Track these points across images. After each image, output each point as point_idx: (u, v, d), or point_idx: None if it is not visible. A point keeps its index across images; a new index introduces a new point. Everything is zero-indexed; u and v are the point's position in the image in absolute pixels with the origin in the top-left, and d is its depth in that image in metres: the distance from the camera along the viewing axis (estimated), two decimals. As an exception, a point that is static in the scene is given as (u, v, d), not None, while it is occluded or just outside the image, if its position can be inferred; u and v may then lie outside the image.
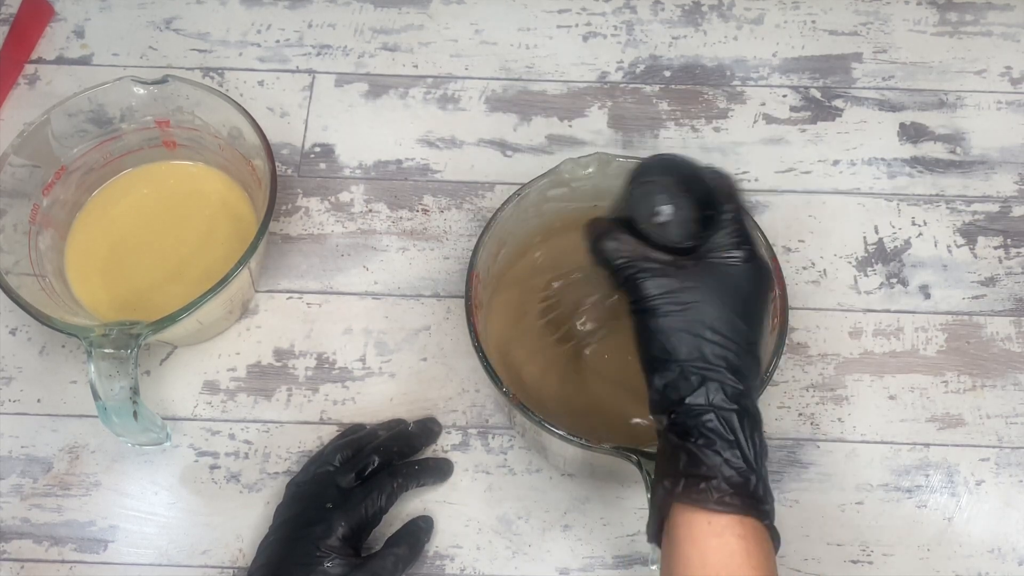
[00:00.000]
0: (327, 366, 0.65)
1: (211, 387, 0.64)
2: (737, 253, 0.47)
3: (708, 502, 0.44)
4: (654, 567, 0.51)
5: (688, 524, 0.45)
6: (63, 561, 0.59)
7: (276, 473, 0.61)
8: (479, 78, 0.74)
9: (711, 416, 0.45)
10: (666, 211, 0.49)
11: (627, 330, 0.49)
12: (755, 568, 0.43)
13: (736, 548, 0.44)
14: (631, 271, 0.47)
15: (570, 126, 0.73)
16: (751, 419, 0.46)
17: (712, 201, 0.48)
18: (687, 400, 0.45)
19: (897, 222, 0.69)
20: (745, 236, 0.48)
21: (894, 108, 0.73)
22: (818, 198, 0.70)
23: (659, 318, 0.46)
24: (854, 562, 0.59)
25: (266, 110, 0.73)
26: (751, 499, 0.44)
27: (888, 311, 0.66)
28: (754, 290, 0.48)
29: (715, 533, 0.44)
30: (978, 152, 0.72)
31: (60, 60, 0.75)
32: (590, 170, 0.58)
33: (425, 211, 0.70)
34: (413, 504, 0.60)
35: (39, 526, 0.60)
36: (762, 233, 0.57)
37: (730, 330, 0.46)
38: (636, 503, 0.61)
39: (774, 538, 0.46)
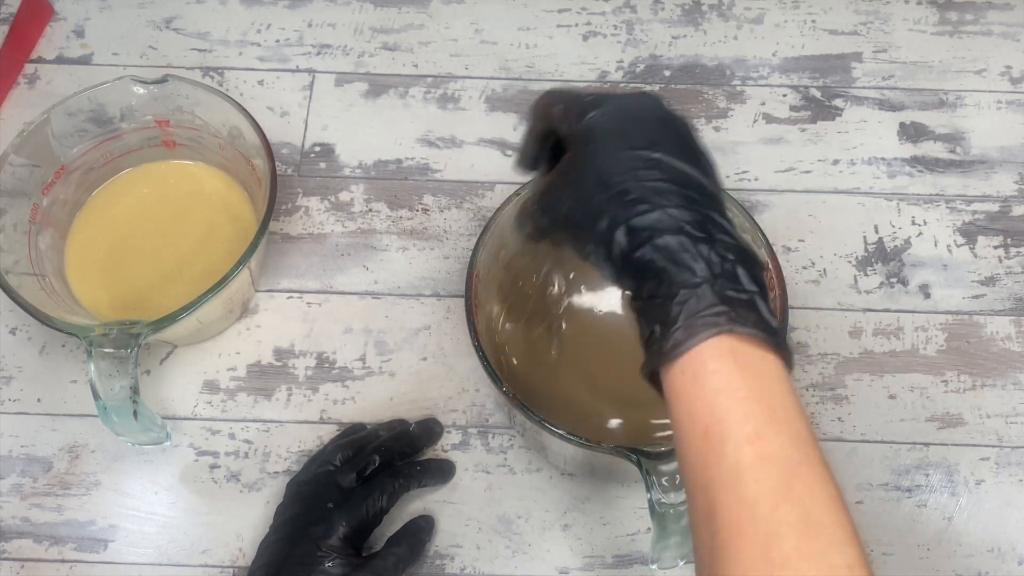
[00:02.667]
0: (327, 365, 0.65)
1: (211, 386, 0.64)
2: (586, 114, 0.45)
3: (671, 344, 0.39)
4: (654, 566, 0.51)
5: (667, 384, 0.40)
6: (63, 561, 0.59)
7: (276, 472, 0.61)
8: (479, 78, 0.74)
9: (645, 250, 0.40)
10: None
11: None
12: (748, 396, 0.38)
13: (721, 381, 0.38)
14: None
15: (570, 126, 0.73)
16: (711, 238, 0.40)
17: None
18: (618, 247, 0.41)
19: (897, 221, 0.69)
20: (581, 101, 0.45)
21: (894, 108, 0.73)
22: (818, 197, 0.70)
23: (561, 218, 0.44)
24: (854, 561, 0.59)
25: (266, 110, 0.73)
26: (735, 307, 0.39)
27: (888, 311, 0.66)
28: (639, 118, 0.44)
29: (692, 378, 0.39)
30: (978, 152, 0.72)
31: (60, 60, 0.75)
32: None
33: (425, 211, 0.70)
34: (413, 504, 0.60)
35: (39, 525, 0.60)
36: (762, 233, 0.57)
37: (628, 163, 0.42)
38: (636, 502, 0.61)
39: (783, 353, 0.40)
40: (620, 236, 0.41)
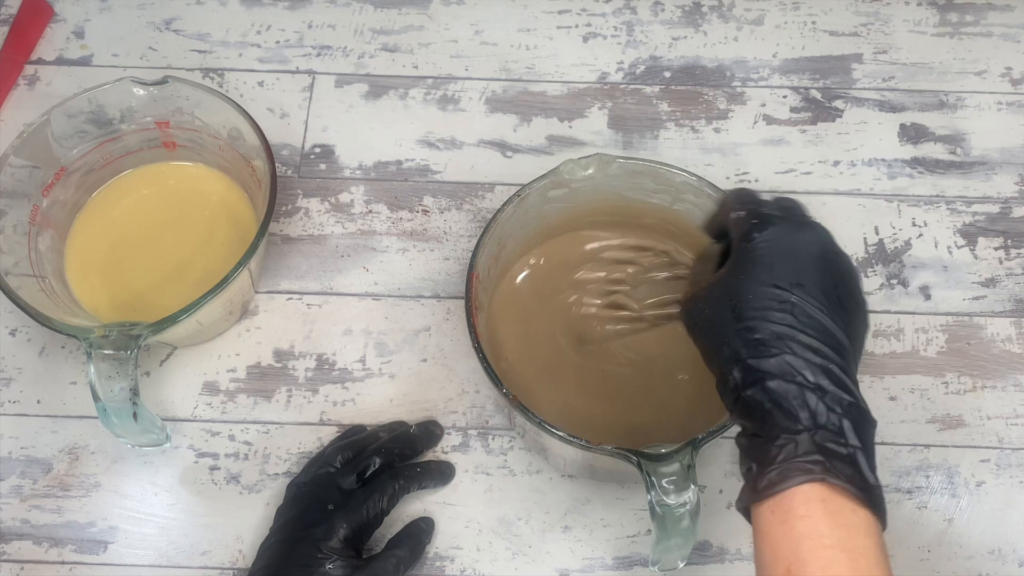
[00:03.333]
0: (327, 367, 0.65)
1: (211, 388, 0.64)
2: (752, 233, 0.46)
3: (764, 483, 0.40)
4: (655, 568, 0.51)
5: (756, 521, 0.41)
6: (63, 562, 0.59)
7: (276, 474, 0.61)
8: (479, 79, 0.74)
9: (755, 391, 0.42)
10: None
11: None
12: (833, 544, 0.39)
13: (808, 526, 0.39)
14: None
15: (570, 127, 0.73)
16: (830, 395, 0.41)
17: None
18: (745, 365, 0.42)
19: (897, 223, 0.69)
20: (757, 215, 0.46)
21: (894, 109, 0.73)
22: (818, 199, 0.70)
23: (698, 330, 0.46)
24: (854, 563, 0.59)
25: (266, 111, 0.73)
26: (831, 459, 0.40)
27: (888, 312, 0.66)
28: (793, 253, 0.45)
29: (781, 519, 0.40)
30: (978, 153, 0.72)
31: (60, 61, 0.75)
32: (590, 171, 0.58)
33: (425, 212, 0.70)
34: (413, 506, 0.60)
35: (39, 527, 0.60)
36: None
37: (764, 301, 0.43)
38: (636, 504, 0.61)
39: (877, 512, 0.40)
40: (736, 373, 0.43)
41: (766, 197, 0.49)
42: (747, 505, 0.43)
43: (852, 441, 0.41)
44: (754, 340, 0.43)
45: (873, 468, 0.41)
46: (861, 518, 0.40)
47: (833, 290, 0.45)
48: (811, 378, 0.42)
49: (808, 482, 0.40)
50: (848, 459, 0.40)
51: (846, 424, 0.41)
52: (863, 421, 0.42)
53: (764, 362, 0.42)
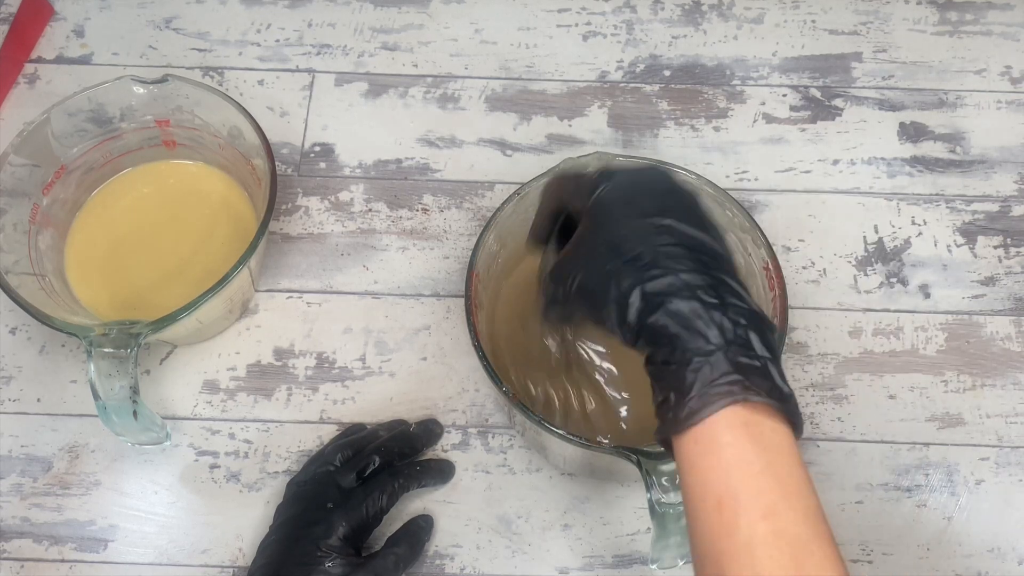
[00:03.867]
0: (327, 365, 0.65)
1: (211, 386, 0.64)
2: (597, 188, 0.46)
3: (685, 413, 0.39)
4: (654, 566, 0.51)
5: (680, 452, 0.40)
6: (63, 560, 0.59)
7: (276, 472, 0.61)
8: (479, 77, 0.74)
9: (658, 316, 0.41)
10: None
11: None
12: (761, 470, 0.38)
13: (735, 454, 0.39)
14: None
15: (570, 125, 0.73)
16: (723, 301, 0.41)
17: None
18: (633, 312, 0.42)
19: (897, 221, 0.69)
20: (594, 175, 0.47)
21: (894, 107, 0.73)
22: (818, 197, 0.70)
23: (575, 286, 0.45)
24: (854, 561, 0.59)
25: (266, 109, 0.73)
26: (748, 375, 0.39)
27: (888, 310, 0.66)
28: (647, 189, 0.45)
29: (706, 448, 0.39)
30: (978, 152, 0.72)
31: (60, 59, 0.75)
32: (589, 170, 0.58)
33: (425, 210, 0.70)
34: (413, 504, 0.60)
35: (39, 525, 0.60)
36: (762, 232, 0.57)
37: (639, 231, 0.43)
38: (636, 502, 0.61)
39: (794, 422, 0.40)
40: (634, 299, 0.42)
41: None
42: (667, 436, 0.41)
43: (761, 352, 0.40)
44: (644, 265, 0.42)
45: (783, 376, 0.41)
46: (781, 435, 0.40)
47: (694, 212, 0.45)
48: (710, 293, 0.41)
49: (730, 404, 0.39)
50: (763, 371, 0.40)
51: (752, 336, 0.40)
52: (765, 328, 0.41)
53: (660, 282, 0.41)
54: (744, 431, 0.39)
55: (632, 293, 0.42)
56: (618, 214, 0.45)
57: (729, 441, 0.39)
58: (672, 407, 0.40)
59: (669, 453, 0.42)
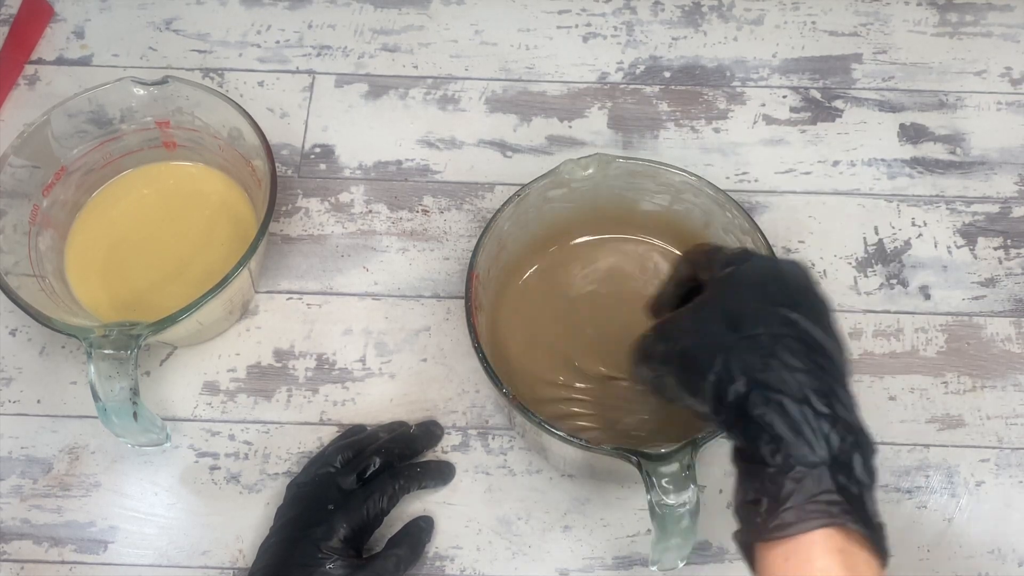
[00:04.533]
0: (327, 367, 0.65)
1: (211, 388, 0.64)
2: (734, 262, 0.45)
3: (776, 523, 0.37)
4: (654, 568, 0.51)
5: (763, 563, 0.38)
6: (63, 562, 0.59)
7: (276, 474, 0.61)
8: (479, 79, 0.74)
9: (765, 410, 0.38)
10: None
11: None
12: None
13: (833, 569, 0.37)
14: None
15: (570, 127, 0.73)
16: (834, 418, 0.39)
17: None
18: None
19: (897, 223, 0.69)
20: (733, 251, 0.46)
21: (894, 109, 0.73)
22: (818, 199, 0.70)
23: (677, 348, 0.44)
24: (854, 563, 0.59)
25: (266, 111, 0.73)
26: (848, 499, 0.37)
27: (888, 312, 0.66)
28: (783, 279, 0.44)
29: (796, 568, 0.37)
30: (978, 153, 0.72)
31: (60, 60, 0.75)
32: (590, 171, 0.58)
33: (425, 212, 0.70)
34: (413, 505, 0.60)
35: (39, 527, 0.60)
36: (762, 234, 0.57)
37: (765, 315, 0.41)
38: (636, 503, 0.61)
39: (881, 554, 0.39)
40: (740, 385, 0.40)
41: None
42: (750, 541, 0.40)
43: (862, 477, 0.39)
44: (760, 350, 0.40)
45: (875, 505, 0.39)
46: (873, 569, 0.38)
47: (823, 315, 0.43)
48: (823, 402, 0.39)
49: (826, 526, 0.37)
50: (859, 499, 0.38)
51: (856, 457, 0.39)
52: (869, 451, 0.40)
53: (773, 375, 0.39)
54: (839, 558, 0.37)
55: (739, 376, 0.40)
56: (747, 294, 0.43)
57: (822, 567, 0.37)
58: (762, 512, 0.39)
59: (745, 557, 0.40)
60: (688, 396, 0.43)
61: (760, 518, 0.39)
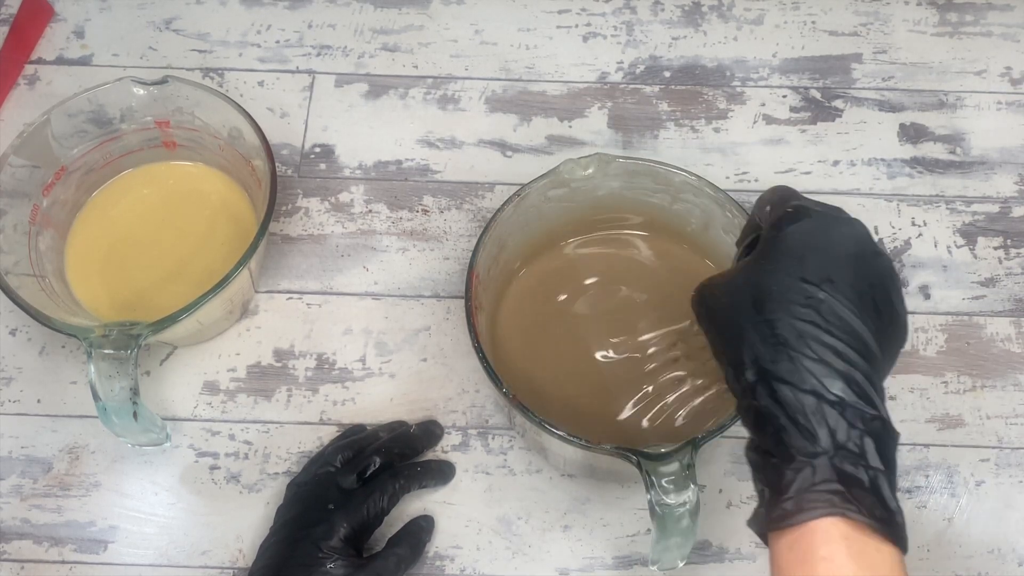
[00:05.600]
0: (327, 367, 0.65)
1: (211, 387, 0.64)
2: (784, 222, 0.43)
3: (777, 513, 0.37)
4: (654, 567, 0.51)
5: (773, 553, 0.38)
6: (63, 562, 0.59)
7: (276, 474, 0.61)
8: (479, 78, 0.74)
9: (768, 400, 0.38)
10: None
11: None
12: None
13: (830, 570, 0.36)
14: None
15: (570, 126, 0.73)
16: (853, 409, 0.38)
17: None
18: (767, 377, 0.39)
19: (897, 222, 0.69)
20: (791, 207, 0.43)
21: (894, 108, 0.73)
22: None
23: (711, 318, 0.43)
24: (854, 562, 0.59)
25: (266, 110, 0.73)
26: (851, 487, 0.37)
27: (888, 311, 0.66)
28: (827, 247, 0.42)
29: (800, 558, 0.37)
30: (978, 152, 0.72)
31: (60, 60, 0.75)
32: (590, 171, 0.58)
33: (425, 211, 0.70)
34: (413, 505, 0.60)
35: (39, 527, 0.60)
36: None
37: (789, 295, 0.40)
38: (636, 503, 0.61)
39: (898, 540, 0.38)
40: (750, 375, 0.40)
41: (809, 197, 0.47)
42: (762, 531, 0.40)
43: (874, 463, 0.38)
44: (773, 338, 0.40)
45: (894, 490, 0.38)
46: (885, 555, 0.37)
47: (868, 291, 0.41)
48: (831, 387, 0.38)
49: (827, 515, 0.37)
50: (870, 486, 0.38)
51: (867, 443, 0.38)
52: (886, 437, 0.39)
53: (780, 366, 0.39)
54: (843, 546, 0.37)
55: (751, 366, 0.40)
56: (783, 264, 0.42)
57: (825, 555, 0.37)
58: (766, 504, 0.39)
59: (764, 545, 0.40)
60: (719, 364, 0.43)
61: (763, 509, 0.39)
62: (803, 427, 0.38)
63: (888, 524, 0.38)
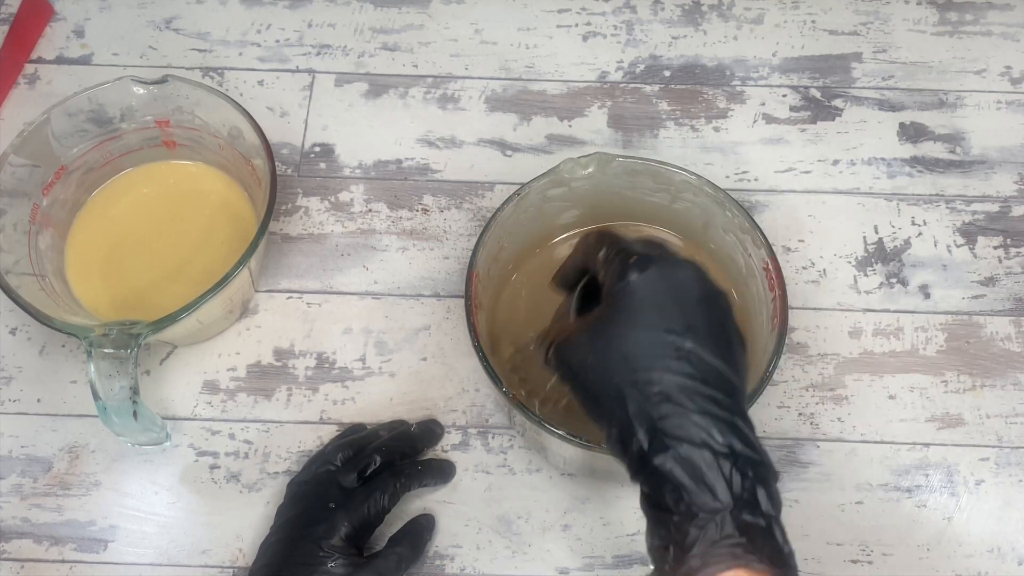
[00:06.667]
0: (327, 366, 0.65)
1: (211, 387, 0.64)
2: (629, 273, 0.43)
3: (684, 570, 0.38)
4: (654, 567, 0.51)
5: None
6: (63, 561, 0.59)
7: (276, 473, 0.61)
8: (479, 78, 0.75)
9: (665, 459, 0.39)
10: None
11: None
12: None
13: None
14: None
15: (570, 126, 0.73)
16: (733, 451, 0.39)
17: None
18: (645, 454, 0.40)
19: (897, 222, 0.69)
20: (632, 253, 0.44)
21: (894, 108, 0.73)
22: (818, 198, 0.70)
23: (578, 378, 0.43)
24: (854, 562, 0.59)
25: (266, 110, 0.73)
26: (752, 538, 0.38)
27: (888, 311, 0.66)
28: (679, 293, 0.43)
29: None
30: (978, 152, 0.72)
31: (60, 60, 0.75)
32: (590, 170, 0.58)
33: (425, 211, 0.70)
34: (414, 504, 0.60)
35: (39, 526, 0.60)
36: (762, 233, 0.57)
37: (659, 349, 0.41)
38: (636, 503, 0.60)
39: None
40: (641, 436, 0.40)
41: (628, 236, 0.47)
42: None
43: (767, 508, 0.39)
44: (657, 395, 0.40)
45: (784, 533, 0.40)
46: None
47: (721, 331, 0.43)
48: (720, 440, 0.40)
49: (732, 567, 0.38)
50: (766, 532, 0.39)
51: (759, 491, 0.39)
52: (771, 478, 0.40)
53: (669, 422, 0.40)
54: None
55: (640, 427, 0.40)
56: (641, 318, 0.42)
57: None
58: (670, 560, 0.39)
59: None
60: (595, 425, 0.43)
61: (668, 565, 0.40)
62: (704, 483, 0.39)
63: (785, 568, 0.39)
